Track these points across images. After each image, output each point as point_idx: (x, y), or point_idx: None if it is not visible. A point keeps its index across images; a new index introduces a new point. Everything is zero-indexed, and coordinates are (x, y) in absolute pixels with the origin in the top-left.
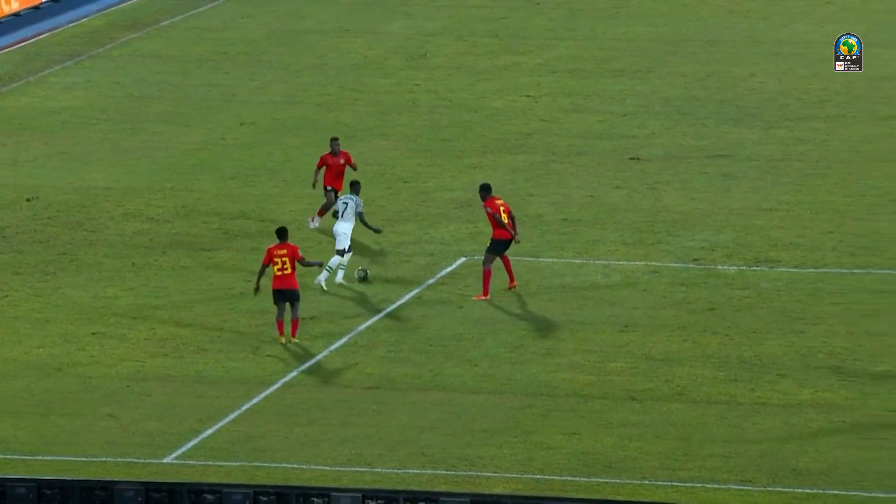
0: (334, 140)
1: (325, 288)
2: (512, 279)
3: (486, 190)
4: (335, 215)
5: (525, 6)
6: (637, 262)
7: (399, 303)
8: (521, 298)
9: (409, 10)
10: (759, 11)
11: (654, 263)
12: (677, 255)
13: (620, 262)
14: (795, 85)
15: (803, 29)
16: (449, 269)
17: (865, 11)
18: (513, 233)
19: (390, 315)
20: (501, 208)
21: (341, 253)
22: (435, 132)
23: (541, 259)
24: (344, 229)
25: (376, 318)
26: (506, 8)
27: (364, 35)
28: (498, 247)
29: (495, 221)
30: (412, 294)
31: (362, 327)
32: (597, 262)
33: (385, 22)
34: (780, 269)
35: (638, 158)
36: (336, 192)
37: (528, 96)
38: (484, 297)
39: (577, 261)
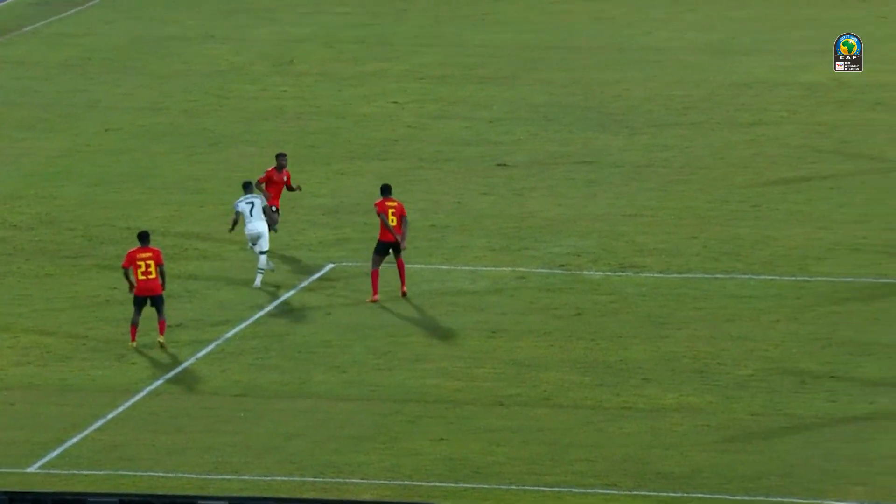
0: (282, 156)
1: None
2: (402, 285)
3: (382, 191)
4: (239, 219)
5: (391, 13)
6: (504, 268)
7: (267, 309)
8: (390, 305)
9: (276, 16)
10: (624, 18)
11: (520, 269)
12: (544, 261)
13: (487, 268)
14: (659, 91)
15: (667, 36)
16: (317, 275)
17: (727, 19)
18: (396, 235)
19: (258, 322)
20: (391, 210)
21: (264, 252)
22: (302, 138)
23: (409, 265)
24: (261, 229)
25: (244, 324)
26: (372, 14)
27: (230, 41)
28: (380, 248)
29: (382, 222)
30: (280, 300)
31: (229, 334)
32: (464, 268)
33: (251, 28)
34: (644, 275)
35: (505, 165)
36: (277, 210)
37: (394, 102)
38: (374, 299)
39: (444, 267)
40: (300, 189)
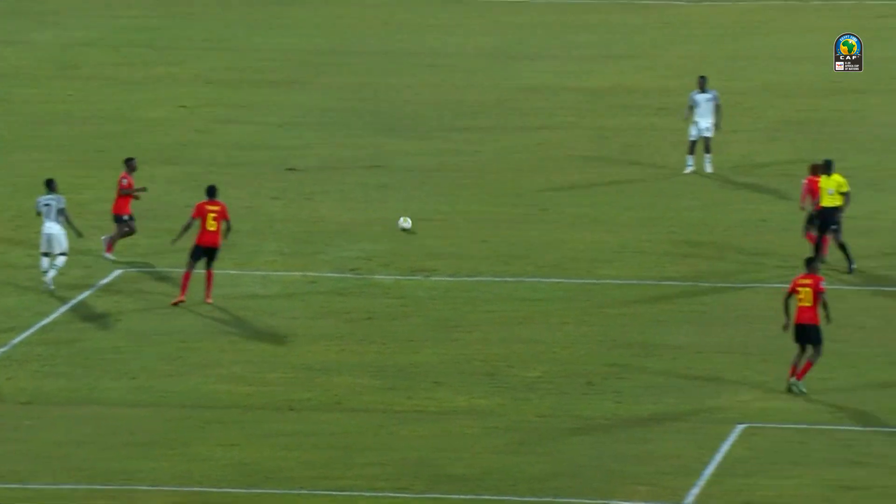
0: (132, 159)
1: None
2: (207, 295)
3: (206, 192)
4: (43, 216)
5: (180, 16)
6: (295, 273)
7: (54, 316)
8: (181, 310)
9: (61, 19)
10: (412, 24)
11: (311, 274)
12: (335, 265)
13: (279, 273)
14: (449, 96)
15: (456, 41)
16: (105, 280)
17: (514, 25)
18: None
19: (45, 328)
20: (211, 215)
21: (63, 254)
22: (89, 143)
23: (200, 270)
24: (53, 230)
25: (30, 331)
26: (161, 17)
27: (13, 45)
28: (196, 251)
29: (200, 224)
30: (68, 306)
31: (16, 341)
32: (255, 272)
33: (35, 31)
34: (435, 278)
35: (295, 169)
36: (132, 217)
37: (183, 107)
38: (181, 300)
39: (235, 272)
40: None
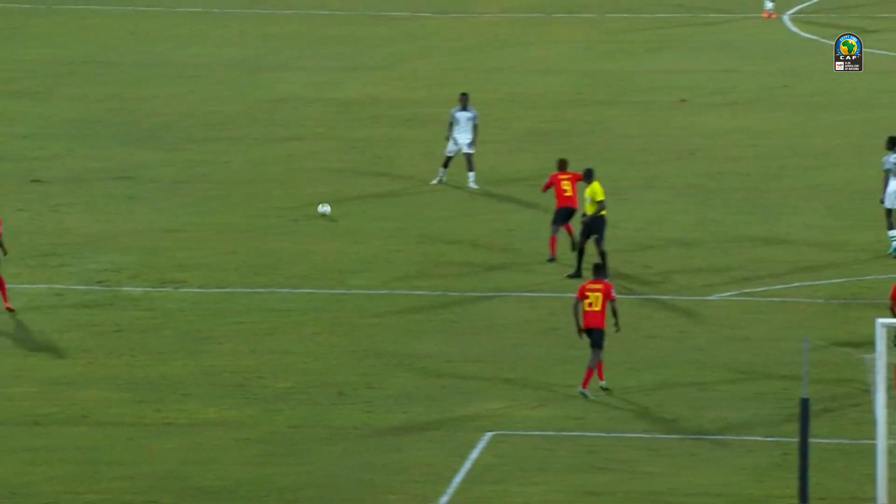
0: None
1: None
2: (5, 300)
3: None
4: None
5: None
6: (41, 286)
7: None
8: None
9: None
10: (158, 34)
11: (58, 286)
12: (82, 278)
13: (24, 286)
14: (197, 107)
15: (202, 52)
16: None
17: (259, 36)
18: None
19: None
20: None
21: None
22: None
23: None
24: None
25: None
26: None
27: None
28: None
29: None
30: None
31: None
32: None
33: None
34: (185, 290)
35: (40, 181)
36: None
37: None
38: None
39: None
40: None
